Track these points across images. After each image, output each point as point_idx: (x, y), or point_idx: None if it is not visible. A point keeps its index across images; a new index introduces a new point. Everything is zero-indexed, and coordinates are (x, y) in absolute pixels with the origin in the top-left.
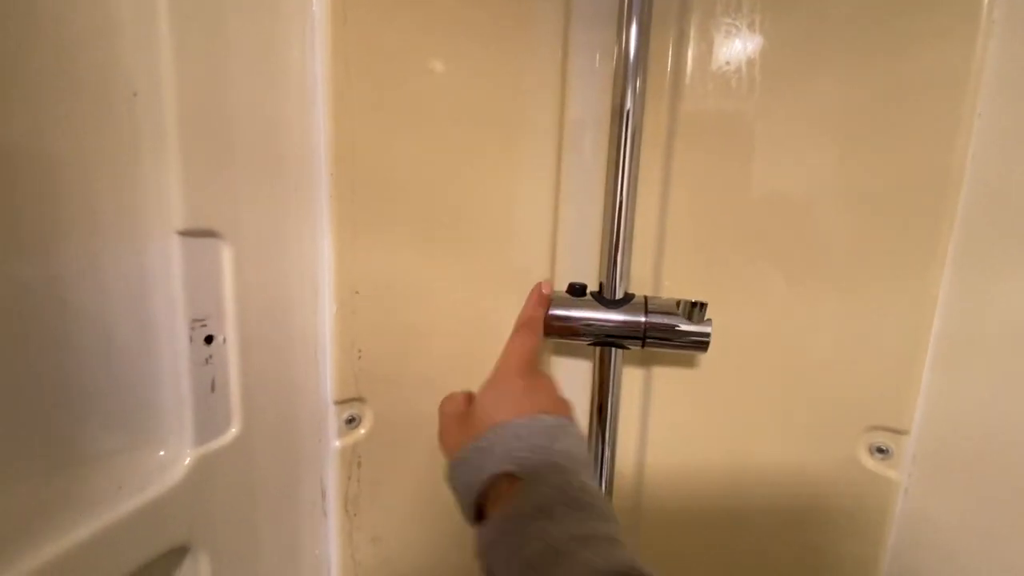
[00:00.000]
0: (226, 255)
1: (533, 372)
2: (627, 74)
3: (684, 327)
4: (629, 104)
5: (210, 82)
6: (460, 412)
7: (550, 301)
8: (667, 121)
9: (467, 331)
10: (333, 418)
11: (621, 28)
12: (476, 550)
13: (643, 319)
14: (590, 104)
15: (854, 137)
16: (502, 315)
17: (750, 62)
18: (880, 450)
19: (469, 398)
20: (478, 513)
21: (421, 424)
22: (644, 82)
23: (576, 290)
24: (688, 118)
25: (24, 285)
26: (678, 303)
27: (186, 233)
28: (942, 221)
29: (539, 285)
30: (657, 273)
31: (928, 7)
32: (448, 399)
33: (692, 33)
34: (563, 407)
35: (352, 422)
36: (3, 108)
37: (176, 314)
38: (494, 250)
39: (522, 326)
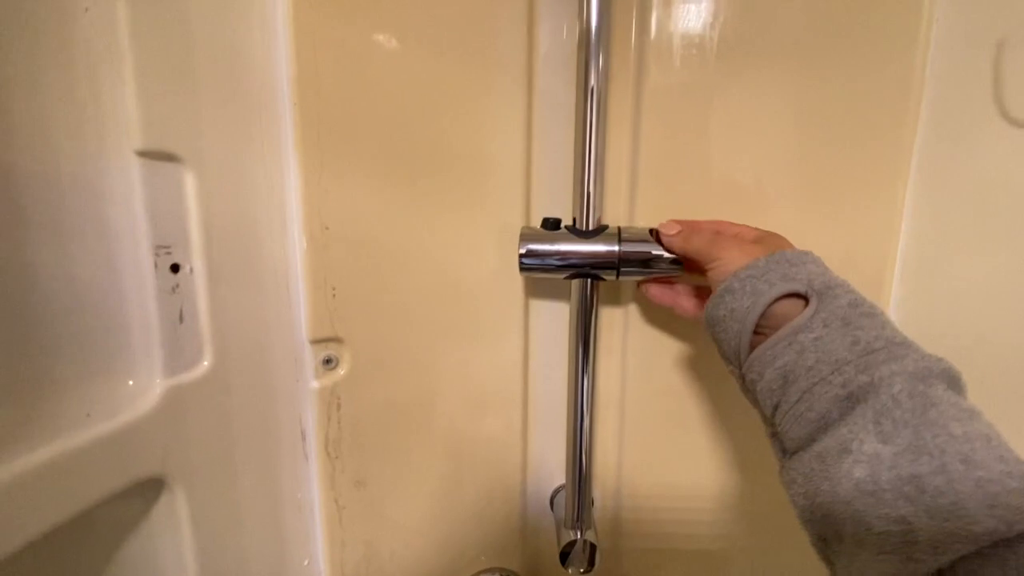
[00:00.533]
0: (189, 181)
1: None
2: (588, 22)
3: (657, 252)
4: (594, 31)
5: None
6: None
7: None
8: (636, 50)
9: (442, 266)
10: (310, 358)
11: None
12: (750, 372)
13: (617, 248)
14: (559, 35)
15: (812, 65)
16: (477, 250)
17: (711, 10)
18: None
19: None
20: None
21: (401, 364)
22: (607, 30)
23: (550, 224)
24: (657, 44)
25: None
26: (651, 231)
27: (145, 154)
28: (903, 138)
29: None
30: (631, 206)
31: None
32: (689, 236)
33: None
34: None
35: (330, 363)
36: None
37: (139, 239)
38: (467, 184)
39: (700, 241)
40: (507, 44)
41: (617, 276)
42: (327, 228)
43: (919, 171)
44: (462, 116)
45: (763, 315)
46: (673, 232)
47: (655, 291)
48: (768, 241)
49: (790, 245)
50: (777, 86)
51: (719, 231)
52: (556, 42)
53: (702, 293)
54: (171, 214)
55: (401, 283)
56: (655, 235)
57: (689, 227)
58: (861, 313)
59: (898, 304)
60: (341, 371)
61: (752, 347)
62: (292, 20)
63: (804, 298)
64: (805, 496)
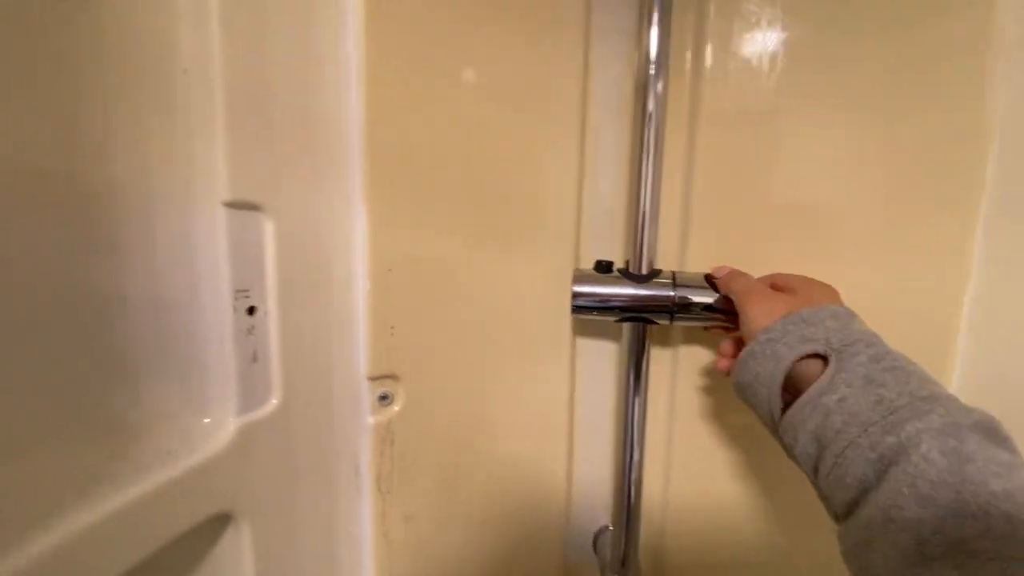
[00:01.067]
0: (268, 228)
1: (786, 288)
2: (649, 55)
3: (713, 301)
4: (652, 84)
5: (253, 60)
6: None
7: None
8: (689, 99)
9: (493, 306)
10: (367, 394)
11: (642, 12)
12: (786, 437)
13: (672, 293)
14: (613, 83)
15: (879, 108)
16: (530, 291)
17: (772, 40)
18: None
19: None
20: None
21: (453, 402)
22: (667, 62)
23: (603, 267)
24: (710, 94)
25: (79, 251)
26: (706, 277)
27: (231, 205)
28: (973, 184)
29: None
30: (683, 249)
31: None
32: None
33: (712, 13)
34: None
35: (385, 399)
36: (68, 82)
37: (221, 284)
38: (522, 227)
39: (738, 274)
40: (563, 88)
41: (671, 321)
42: (390, 270)
43: (991, 216)
44: (518, 160)
45: (788, 376)
46: (721, 274)
47: (724, 364)
48: (803, 293)
49: (829, 295)
50: (841, 122)
51: (750, 289)
52: (608, 81)
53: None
54: (250, 260)
55: (454, 322)
56: (709, 280)
57: (733, 273)
58: (883, 368)
59: (964, 355)
60: (396, 407)
61: (784, 409)
62: (365, 75)
63: (825, 358)
64: (861, 568)
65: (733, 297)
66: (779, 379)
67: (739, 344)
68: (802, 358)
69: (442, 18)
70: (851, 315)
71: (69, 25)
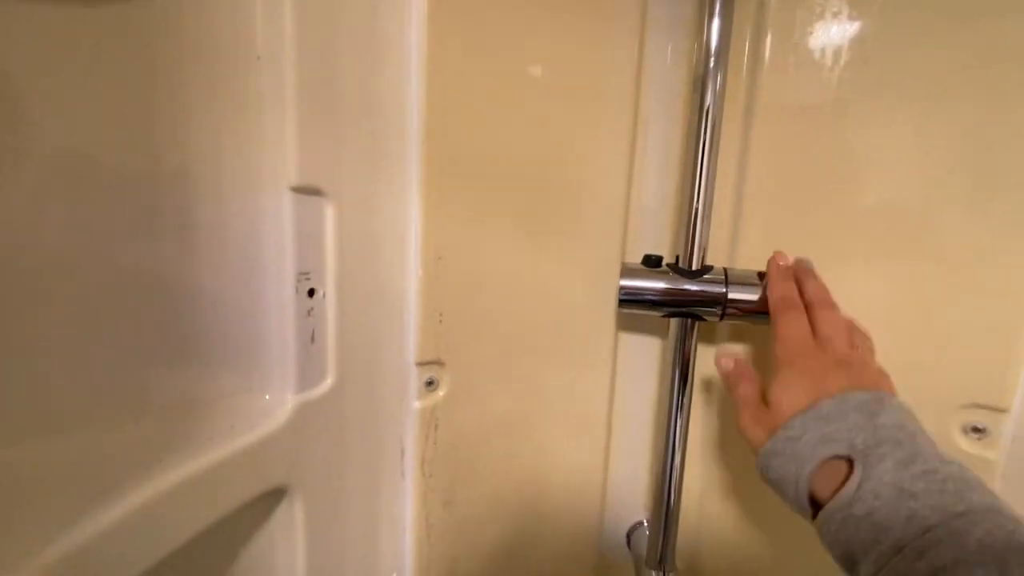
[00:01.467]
0: (329, 213)
1: (821, 347)
2: (710, 47)
3: (767, 300)
4: (711, 77)
5: (322, 50)
6: (755, 400)
7: (792, 271)
8: (746, 93)
9: (540, 296)
10: (414, 379)
11: (703, 2)
12: (819, 536)
13: (723, 290)
14: (667, 75)
15: (959, 104)
16: (575, 284)
17: (837, 30)
18: (976, 429)
19: (753, 377)
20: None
21: (494, 388)
22: (727, 55)
23: (652, 261)
24: (769, 87)
25: (153, 234)
26: (759, 275)
27: (298, 189)
28: None
29: (775, 257)
30: (733, 246)
31: None
32: (740, 379)
33: (773, 4)
34: (877, 379)
35: (431, 384)
36: (146, 68)
37: (285, 267)
38: (570, 220)
39: (784, 307)
40: (616, 80)
41: (721, 318)
42: (440, 258)
43: None
44: (569, 153)
45: (814, 478)
46: (777, 292)
47: (725, 362)
48: (830, 354)
49: (865, 367)
50: (912, 119)
51: (795, 357)
52: (662, 73)
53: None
54: (312, 243)
55: (501, 310)
56: (762, 277)
57: (785, 300)
58: (914, 475)
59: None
60: (441, 392)
61: (814, 507)
62: (426, 65)
63: (850, 460)
64: None
65: (773, 330)
66: (804, 486)
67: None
68: (825, 461)
69: (501, 11)
70: (880, 401)
71: (151, 12)
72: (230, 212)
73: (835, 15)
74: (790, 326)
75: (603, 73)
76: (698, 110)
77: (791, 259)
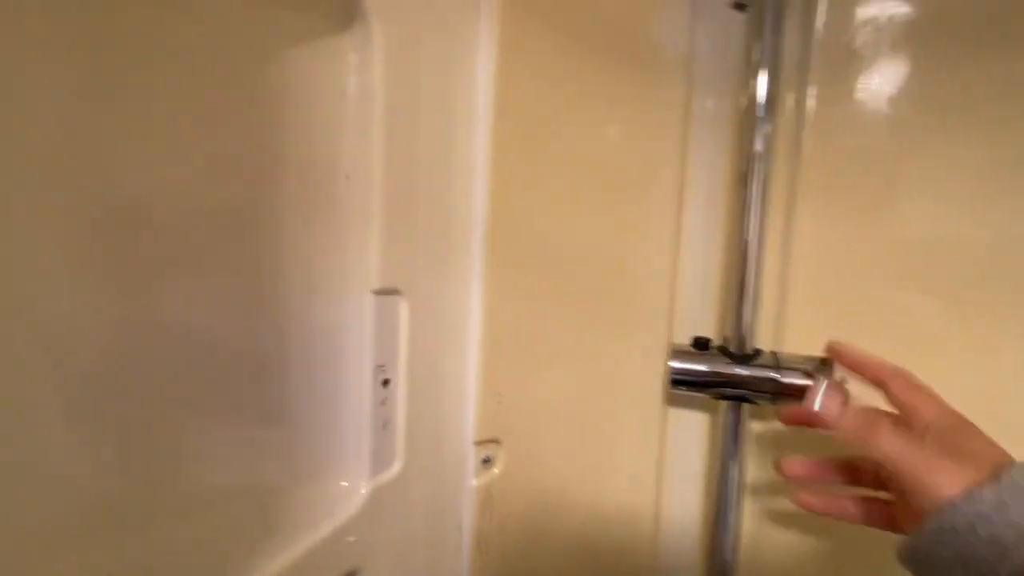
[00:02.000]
0: (403, 309)
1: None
2: (753, 131)
3: None
4: (756, 158)
5: (405, 163)
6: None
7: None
8: (789, 171)
9: (593, 376)
10: (472, 457)
11: (746, 86)
12: None
13: (776, 376)
14: (709, 164)
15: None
16: (625, 362)
17: (884, 114)
18: None
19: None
20: None
21: (549, 466)
22: (771, 136)
23: (701, 343)
24: (811, 168)
25: (256, 331)
26: (806, 359)
27: (378, 292)
28: None
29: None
30: (779, 327)
31: None
32: (872, 426)
33: (815, 83)
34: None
35: (488, 462)
36: (256, 191)
37: (364, 361)
38: (620, 302)
39: (865, 430)
40: (662, 168)
41: (773, 402)
42: (499, 342)
43: None
44: (619, 237)
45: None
46: (833, 412)
47: (810, 501)
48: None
49: (988, 446)
50: (966, 189)
51: (913, 448)
52: (704, 158)
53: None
54: (388, 337)
55: (555, 389)
56: (812, 365)
57: (867, 417)
58: None
59: None
60: (496, 470)
61: None
62: (490, 168)
63: None
64: None
65: (887, 460)
66: None
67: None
68: None
69: (556, 110)
70: None
71: (261, 138)
72: (318, 313)
73: (868, 111)
74: (890, 443)
75: (650, 163)
76: (742, 202)
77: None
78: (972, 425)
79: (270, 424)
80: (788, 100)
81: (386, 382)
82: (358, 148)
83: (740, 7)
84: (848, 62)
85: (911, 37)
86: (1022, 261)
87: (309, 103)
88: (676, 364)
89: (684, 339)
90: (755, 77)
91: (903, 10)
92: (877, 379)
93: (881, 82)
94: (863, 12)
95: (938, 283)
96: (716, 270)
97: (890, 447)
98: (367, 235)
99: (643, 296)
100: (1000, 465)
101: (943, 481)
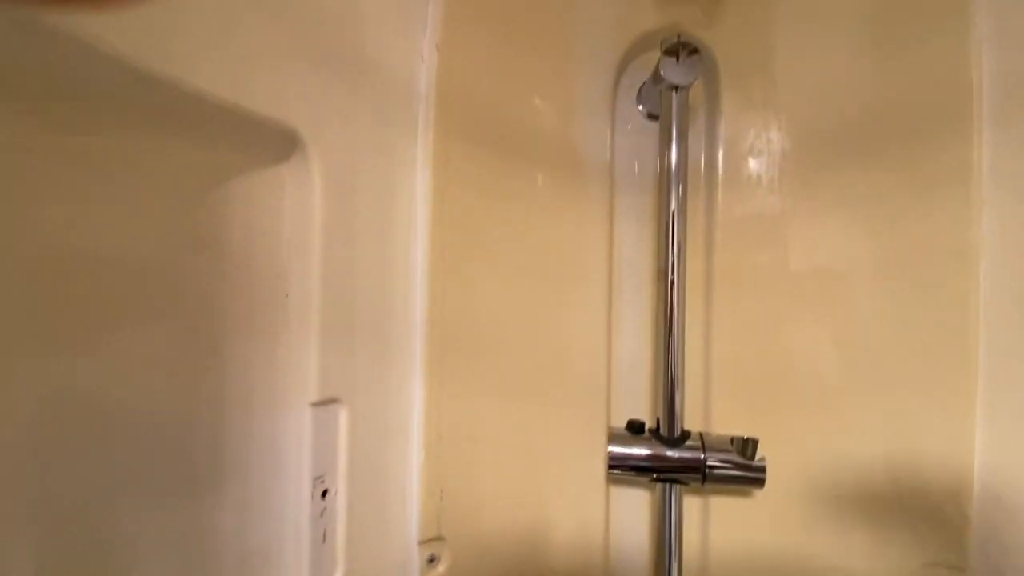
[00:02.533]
0: (342, 417)
1: None
2: (667, 229)
3: (742, 466)
4: (672, 255)
5: (344, 280)
6: None
7: None
8: (704, 262)
9: (535, 468)
10: (416, 558)
11: (662, 186)
12: None
13: (702, 456)
14: (634, 258)
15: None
16: (565, 447)
17: (777, 207)
18: None
19: None
20: None
21: (496, 560)
22: (684, 234)
23: (635, 427)
24: (723, 256)
25: (191, 446)
26: (732, 440)
27: (317, 404)
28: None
29: None
30: (706, 407)
31: (930, 107)
32: None
33: (720, 191)
34: None
35: (432, 561)
36: (198, 310)
37: (303, 474)
38: (558, 389)
39: None
40: (592, 258)
41: (703, 483)
42: (441, 438)
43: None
44: (555, 327)
45: None
46: None
47: None
48: None
49: None
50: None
51: None
52: (629, 249)
53: None
54: (327, 447)
55: (497, 479)
56: (736, 445)
57: None
58: None
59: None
60: (441, 568)
61: None
62: (428, 272)
63: None
64: None
65: None
66: None
67: None
68: None
69: (492, 217)
70: None
71: (204, 263)
72: (255, 427)
73: (773, 207)
74: None
75: (581, 258)
76: (664, 292)
77: None
78: None
79: (203, 538)
80: (699, 197)
81: (325, 493)
82: (298, 267)
83: (653, 117)
84: (747, 162)
85: (794, 147)
86: (919, 348)
87: (250, 227)
88: (613, 449)
89: (622, 420)
90: (667, 178)
91: (787, 124)
92: None
93: (773, 180)
94: (756, 123)
95: (839, 351)
96: (647, 355)
97: None
98: (306, 350)
99: (581, 382)
100: None
101: None
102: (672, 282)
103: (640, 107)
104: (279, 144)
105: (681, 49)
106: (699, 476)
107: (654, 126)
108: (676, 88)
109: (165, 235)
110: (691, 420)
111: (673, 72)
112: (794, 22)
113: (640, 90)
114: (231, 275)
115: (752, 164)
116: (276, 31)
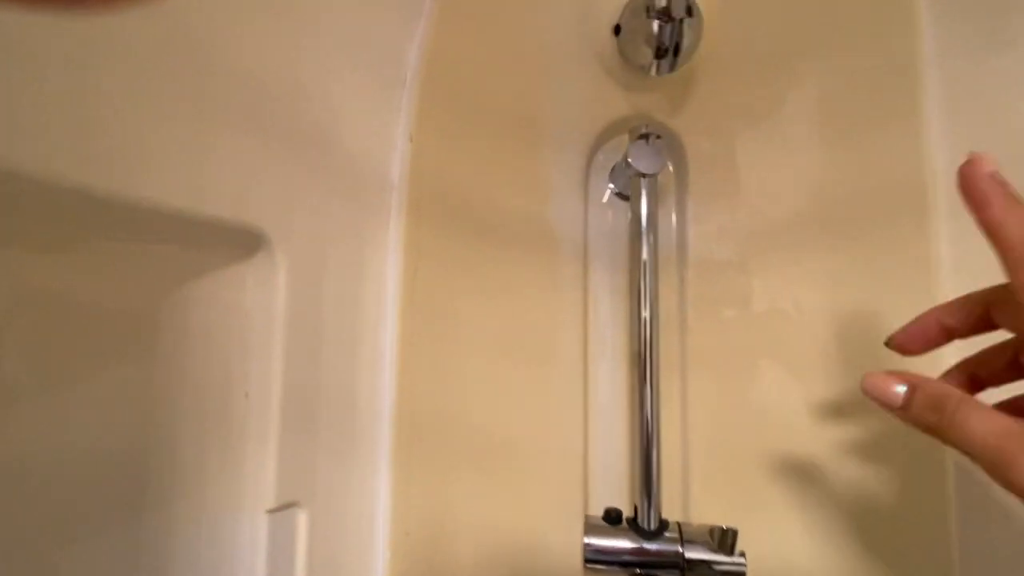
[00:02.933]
0: (301, 522)
1: None
2: (640, 312)
3: (720, 560)
4: (646, 340)
5: (307, 377)
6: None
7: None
8: (679, 342)
9: (509, 560)
10: None
11: (634, 266)
12: None
13: (679, 549)
14: (610, 335)
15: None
16: (541, 536)
17: (747, 288)
18: None
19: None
20: None
21: None
22: (656, 320)
23: (612, 518)
24: (696, 337)
25: (139, 545)
26: (711, 531)
27: (274, 510)
28: None
29: (974, 161)
30: (685, 496)
31: (886, 199)
32: (967, 407)
33: (691, 271)
34: None
35: None
36: (150, 413)
37: None
38: (533, 477)
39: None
40: (567, 339)
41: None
42: (409, 534)
43: None
44: (529, 418)
45: None
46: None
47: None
48: None
49: None
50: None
51: None
52: (604, 330)
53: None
54: (285, 554)
55: (468, 572)
56: (715, 536)
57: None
58: None
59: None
60: None
61: None
62: (398, 364)
63: None
64: None
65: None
66: None
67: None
68: None
69: (463, 300)
70: None
71: (154, 360)
72: (207, 536)
73: (743, 288)
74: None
75: (554, 340)
76: (638, 377)
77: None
78: None
79: None
80: (671, 276)
81: None
82: (259, 366)
83: (624, 197)
84: (716, 244)
85: (760, 231)
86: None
87: (209, 325)
88: (590, 542)
89: (599, 505)
90: (639, 262)
91: (751, 210)
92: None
93: (744, 262)
94: (723, 207)
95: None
96: (623, 438)
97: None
98: (264, 453)
99: (557, 468)
100: None
101: None
102: (646, 366)
103: (611, 187)
104: (243, 243)
105: (648, 137)
106: (677, 571)
107: (626, 204)
108: (644, 175)
109: (114, 342)
110: (669, 507)
111: (641, 161)
112: (751, 116)
113: (612, 169)
114: (186, 378)
115: (721, 246)
116: (247, 140)
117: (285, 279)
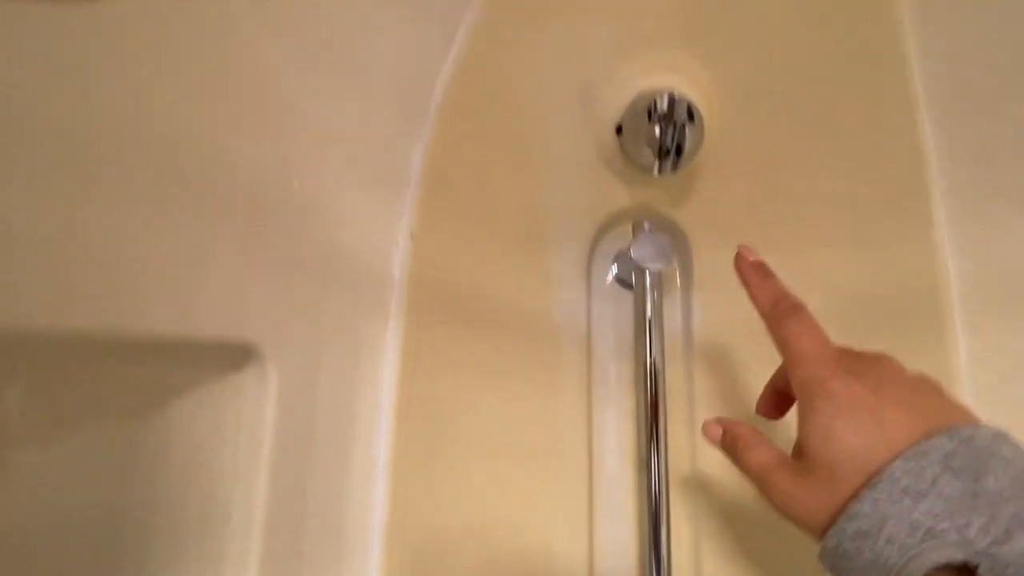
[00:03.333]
0: None
1: (860, 362)
2: (647, 421)
3: None
4: (653, 448)
5: (294, 497)
6: (784, 461)
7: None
8: (688, 444)
9: None
10: None
11: (639, 354)
12: None
13: None
14: (616, 432)
15: None
16: None
17: (754, 386)
18: None
19: (760, 435)
20: None
21: None
22: (665, 433)
23: None
24: (705, 454)
25: None
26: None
27: None
28: None
29: (742, 253)
30: None
31: (901, 304)
32: (748, 444)
33: (697, 351)
34: (949, 409)
35: None
36: (121, 533)
37: None
38: None
39: (784, 312)
40: (570, 446)
41: None
42: None
43: None
44: (528, 521)
45: None
46: (766, 295)
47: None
48: (891, 405)
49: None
50: None
51: (824, 381)
52: (609, 434)
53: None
54: None
55: None
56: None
57: (781, 302)
58: None
59: None
60: None
61: None
62: (392, 468)
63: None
64: None
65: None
66: None
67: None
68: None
69: (463, 398)
70: (970, 445)
71: (129, 484)
72: None
73: (748, 384)
74: (803, 337)
75: (558, 435)
76: (646, 480)
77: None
78: (893, 373)
79: None
80: (676, 366)
81: None
82: (243, 488)
83: (628, 286)
84: (725, 333)
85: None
86: None
87: (192, 445)
88: None
89: None
90: (644, 348)
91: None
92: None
93: (751, 355)
94: (729, 298)
95: None
96: (631, 545)
97: (751, 464)
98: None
99: (562, 572)
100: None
101: (847, 457)
102: (653, 467)
103: (614, 270)
104: (232, 358)
105: (650, 233)
106: None
107: (629, 294)
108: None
109: (85, 465)
110: None
111: (644, 257)
112: (756, 212)
113: (615, 259)
114: (161, 501)
115: (727, 338)
116: (241, 253)
117: (276, 392)
